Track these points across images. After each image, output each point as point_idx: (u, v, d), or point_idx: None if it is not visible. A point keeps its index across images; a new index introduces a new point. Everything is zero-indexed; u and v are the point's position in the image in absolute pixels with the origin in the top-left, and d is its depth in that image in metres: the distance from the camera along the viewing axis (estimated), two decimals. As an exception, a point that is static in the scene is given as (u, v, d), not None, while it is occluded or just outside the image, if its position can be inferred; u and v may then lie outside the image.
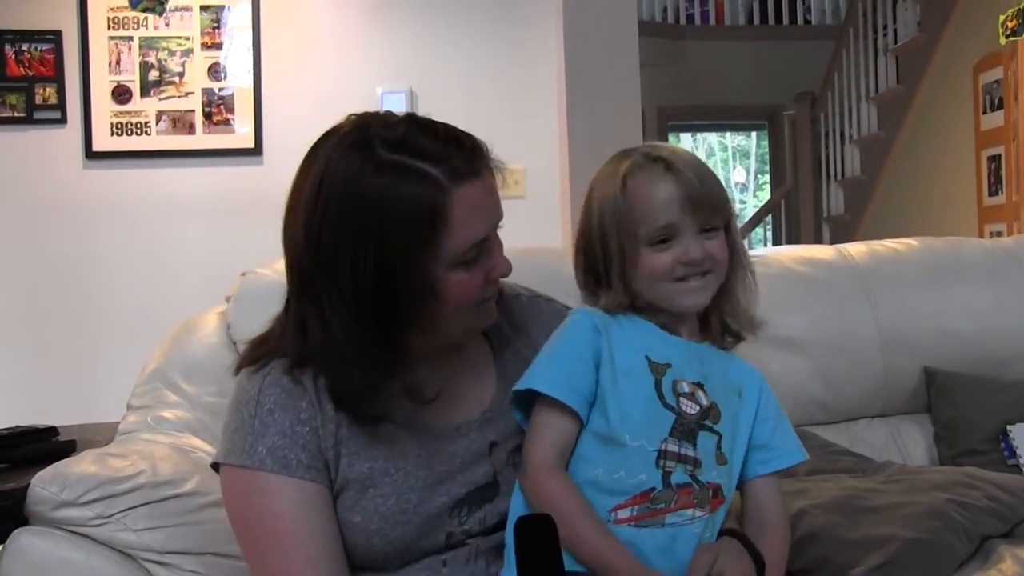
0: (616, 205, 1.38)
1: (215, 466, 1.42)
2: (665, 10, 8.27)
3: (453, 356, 1.46)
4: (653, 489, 1.31)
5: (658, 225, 1.36)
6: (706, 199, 1.37)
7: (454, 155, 1.31)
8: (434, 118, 1.39)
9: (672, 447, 1.32)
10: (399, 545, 1.37)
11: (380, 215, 1.27)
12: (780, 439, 1.45)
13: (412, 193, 1.27)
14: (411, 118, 1.35)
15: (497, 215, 1.37)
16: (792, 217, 7.07)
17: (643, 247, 1.37)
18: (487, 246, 1.35)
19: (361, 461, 1.37)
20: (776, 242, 7.77)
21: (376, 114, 1.37)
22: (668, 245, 1.37)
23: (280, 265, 1.44)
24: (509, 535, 1.34)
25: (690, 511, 1.33)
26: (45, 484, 1.49)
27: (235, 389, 1.42)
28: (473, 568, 1.40)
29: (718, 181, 1.41)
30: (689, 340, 1.42)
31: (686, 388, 1.36)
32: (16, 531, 1.50)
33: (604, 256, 1.39)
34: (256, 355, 1.42)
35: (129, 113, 4.07)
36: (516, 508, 1.37)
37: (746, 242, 6.79)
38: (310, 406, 1.36)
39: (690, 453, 1.34)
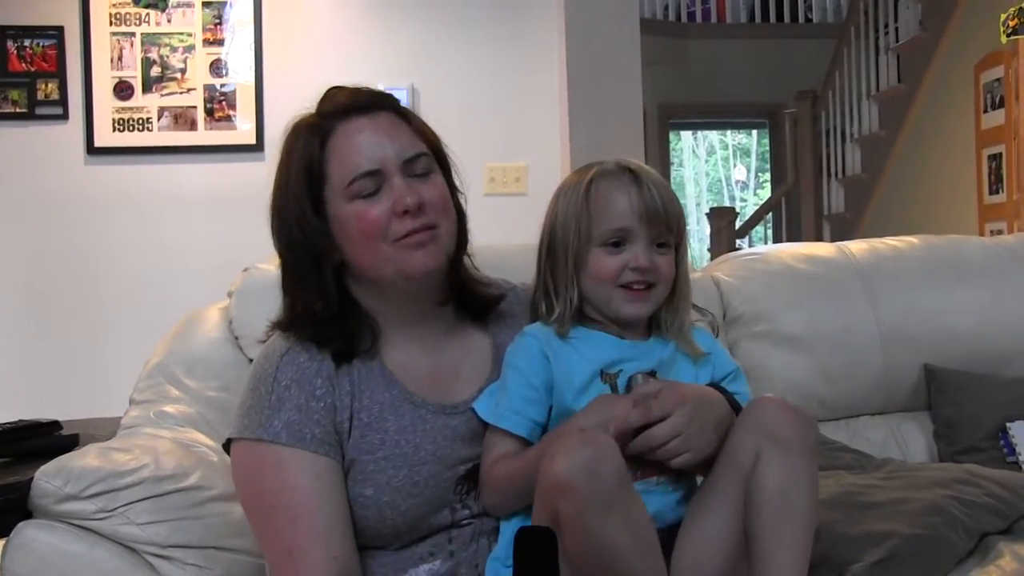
0: (578, 204, 1.45)
1: (226, 446, 1.45)
2: (666, 8, 8.26)
3: (447, 336, 1.52)
4: None
5: (613, 227, 1.44)
6: (663, 214, 1.44)
7: (342, 99, 1.44)
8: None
9: None
10: (410, 518, 1.41)
11: (288, 166, 1.43)
12: (736, 388, 1.53)
13: (306, 140, 1.42)
14: (334, 88, 1.48)
15: (389, 151, 1.42)
16: (793, 215, 7.07)
17: (595, 247, 1.44)
18: (389, 182, 1.41)
19: (373, 433, 1.41)
20: (777, 240, 7.77)
21: None
22: (620, 249, 1.44)
23: (280, 260, 1.49)
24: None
25: (655, 477, 1.41)
26: (49, 478, 1.50)
27: (252, 369, 1.47)
28: (477, 547, 1.45)
29: (678, 203, 1.49)
30: (636, 340, 1.48)
31: (640, 380, 1.44)
32: (20, 524, 1.51)
33: (562, 255, 1.46)
34: (270, 334, 1.50)
35: (131, 109, 4.07)
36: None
37: (746, 240, 6.80)
38: (325, 382, 1.41)
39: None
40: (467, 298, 1.54)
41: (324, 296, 1.42)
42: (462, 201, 1.51)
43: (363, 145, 1.41)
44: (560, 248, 1.46)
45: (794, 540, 1.30)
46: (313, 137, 1.42)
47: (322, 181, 1.41)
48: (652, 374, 1.45)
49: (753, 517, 1.32)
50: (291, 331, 1.45)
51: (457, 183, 1.51)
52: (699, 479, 1.47)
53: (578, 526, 1.22)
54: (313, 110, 1.47)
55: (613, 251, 1.44)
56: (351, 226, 1.40)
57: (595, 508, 1.21)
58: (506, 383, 1.45)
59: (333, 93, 1.47)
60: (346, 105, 1.43)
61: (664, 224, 1.45)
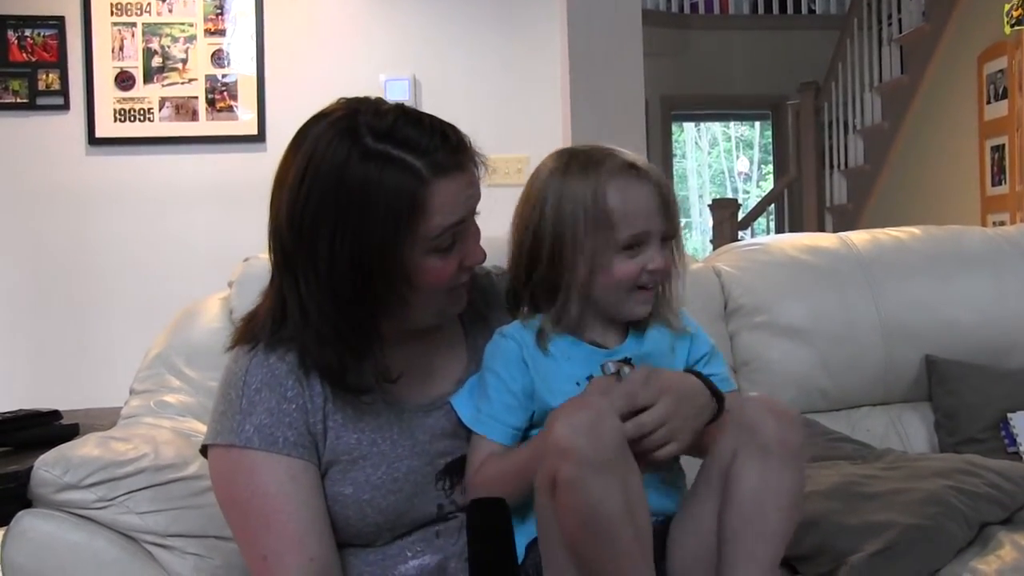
0: (593, 212, 1.39)
1: (204, 451, 1.44)
2: (669, -1, 8.27)
3: (426, 333, 1.48)
4: None
5: (633, 232, 1.40)
6: (672, 208, 1.43)
7: (439, 148, 1.33)
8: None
9: None
10: (391, 514, 1.40)
11: (362, 202, 1.30)
12: (713, 369, 1.51)
13: (394, 183, 1.30)
14: (400, 108, 1.37)
15: (473, 204, 1.39)
16: (795, 207, 7.06)
17: (615, 253, 1.40)
18: (462, 234, 1.38)
19: (349, 433, 1.40)
20: (779, 232, 7.76)
21: (366, 100, 1.39)
22: (636, 251, 1.41)
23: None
24: None
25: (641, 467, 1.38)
26: (48, 467, 1.50)
27: (223, 372, 1.44)
28: (465, 539, 1.42)
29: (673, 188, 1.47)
30: (613, 348, 1.46)
31: (612, 368, 1.40)
32: (20, 513, 1.51)
33: (567, 265, 1.41)
34: (246, 333, 1.44)
35: (132, 99, 4.06)
36: None
37: (749, 232, 6.79)
38: (296, 383, 1.39)
39: None
40: None
41: (354, 334, 1.35)
42: None
43: (460, 199, 1.36)
44: (571, 256, 1.40)
45: (763, 550, 1.30)
46: (412, 185, 1.31)
47: (409, 227, 1.32)
48: (627, 361, 1.42)
49: (724, 518, 1.31)
50: (265, 329, 1.41)
51: None
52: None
53: (575, 488, 1.21)
54: (383, 126, 1.34)
55: (631, 253, 1.41)
56: (423, 277, 1.35)
57: (593, 469, 1.20)
58: (486, 388, 1.43)
59: (422, 127, 1.35)
60: (451, 163, 1.35)
61: (675, 215, 1.44)
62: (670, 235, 1.43)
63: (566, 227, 1.41)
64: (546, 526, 1.29)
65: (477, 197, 1.40)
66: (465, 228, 1.38)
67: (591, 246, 1.39)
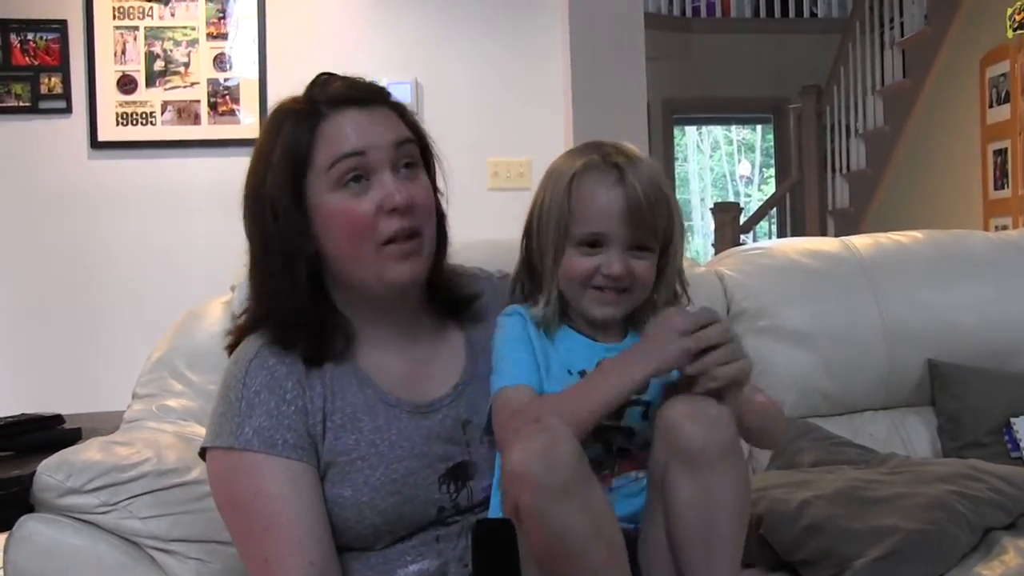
0: (560, 197, 1.41)
1: (202, 454, 1.44)
2: (671, 2, 8.26)
3: (421, 335, 1.50)
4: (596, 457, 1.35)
5: (589, 230, 1.39)
6: (645, 219, 1.38)
7: (339, 89, 1.41)
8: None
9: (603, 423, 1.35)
10: (390, 516, 1.40)
11: (270, 147, 1.40)
12: None
13: (294, 124, 1.40)
14: (327, 74, 1.46)
15: (381, 140, 1.39)
16: (797, 210, 7.06)
17: (571, 246, 1.41)
18: (374, 174, 1.39)
19: (348, 434, 1.40)
20: (781, 235, 7.76)
21: None
22: (595, 251, 1.40)
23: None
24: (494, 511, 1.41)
25: (633, 472, 1.39)
26: (51, 472, 1.51)
27: (223, 375, 1.45)
28: (465, 543, 1.43)
29: (668, 204, 1.41)
30: (610, 343, 1.44)
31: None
32: (22, 518, 1.51)
33: (541, 248, 1.43)
34: (239, 331, 1.48)
35: (134, 103, 4.06)
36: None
37: (750, 235, 6.78)
38: (296, 385, 1.39)
39: (621, 425, 1.38)
40: (442, 297, 1.52)
41: (294, 295, 1.39)
42: (443, 202, 1.49)
43: (354, 130, 1.38)
44: (542, 239, 1.43)
45: (716, 556, 1.27)
46: (302, 122, 1.39)
47: (305, 166, 1.38)
48: None
49: (670, 531, 1.28)
50: (256, 332, 1.43)
51: (440, 184, 1.49)
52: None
53: (538, 515, 1.19)
54: (301, 95, 1.43)
55: (588, 251, 1.40)
56: (335, 221, 1.37)
57: (554, 495, 1.18)
58: (503, 363, 1.41)
59: (326, 80, 1.44)
60: (343, 96, 1.40)
61: (646, 228, 1.39)
62: (636, 245, 1.40)
63: (543, 211, 1.43)
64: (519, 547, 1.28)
65: (387, 136, 1.40)
66: (375, 165, 1.39)
67: (554, 234, 1.41)
